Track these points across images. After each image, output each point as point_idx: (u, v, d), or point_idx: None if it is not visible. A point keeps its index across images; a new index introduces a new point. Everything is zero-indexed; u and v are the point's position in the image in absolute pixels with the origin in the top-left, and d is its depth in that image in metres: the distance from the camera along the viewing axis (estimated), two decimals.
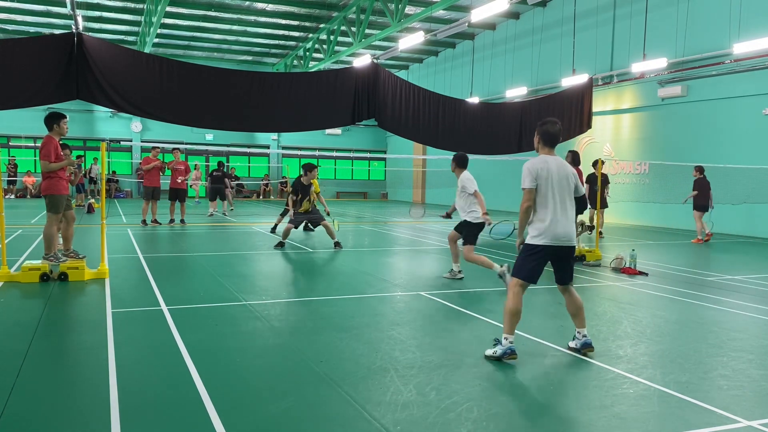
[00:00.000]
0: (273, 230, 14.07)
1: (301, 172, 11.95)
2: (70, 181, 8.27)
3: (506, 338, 4.74)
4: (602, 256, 10.43)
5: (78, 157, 22.90)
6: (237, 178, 30.64)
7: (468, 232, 7.96)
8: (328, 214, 12.10)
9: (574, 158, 10.96)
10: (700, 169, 14.32)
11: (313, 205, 11.79)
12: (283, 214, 14.07)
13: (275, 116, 10.53)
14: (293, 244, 12.23)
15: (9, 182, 27.67)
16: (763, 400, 4.03)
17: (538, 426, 3.52)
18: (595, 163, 12.32)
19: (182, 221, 16.16)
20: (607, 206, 15.12)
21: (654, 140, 19.11)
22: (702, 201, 14.11)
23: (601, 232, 14.09)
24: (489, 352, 4.80)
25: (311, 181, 11.69)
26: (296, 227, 11.71)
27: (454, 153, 8.38)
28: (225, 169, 20.27)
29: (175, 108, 9.72)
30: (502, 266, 7.57)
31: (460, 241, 8.23)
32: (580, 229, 11.15)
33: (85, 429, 3.41)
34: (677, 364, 4.78)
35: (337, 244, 11.60)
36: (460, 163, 8.22)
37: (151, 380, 4.19)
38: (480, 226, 7.95)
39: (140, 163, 18.18)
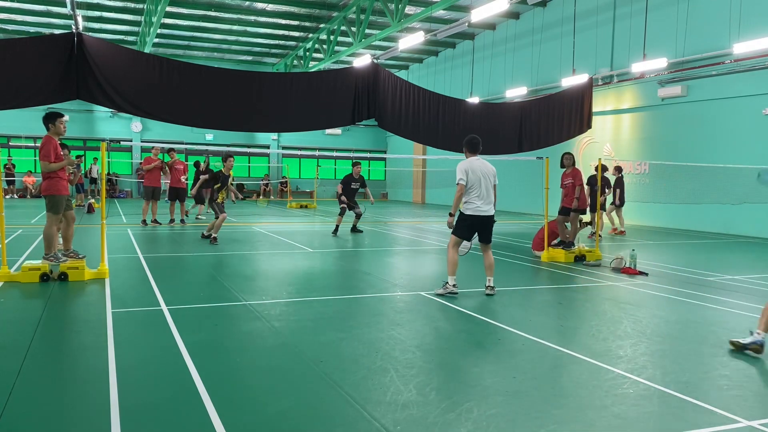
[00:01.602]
0: (335, 232, 13.97)
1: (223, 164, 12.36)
2: (69, 181, 8.26)
3: (758, 333, 5.02)
4: (602, 256, 10.43)
5: (77, 157, 22.86)
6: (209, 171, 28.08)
7: (457, 222, 7.37)
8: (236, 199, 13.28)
9: (573, 159, 11.08)
10: (619, 169, 15.47)
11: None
12: (341, 214, 14.10)
13: (275, 116, 10.52)
14: (293, 244, 12.24)
15: (8, 183, 27.71)
16: (763, 400, 4.03)
17: (537, 426, 3.52)
18: (605, 167, 12.66)
19: (182, 221, 16.16)
20: (605, 209, 15.16)
21: (654, 140, 19.10)
22: (621, 198, 15.52)
23: (600, 234, 14.12)
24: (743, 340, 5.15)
25: (230, 171, 12.25)
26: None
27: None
28: (207, 167, 19.72)
29: (175, 108, 9.72)
30: (449, 284, 7.20)
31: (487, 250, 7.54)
32: (578, 226, 11.16)
33: (85, 429, 3.41)
34: (677, 364, 4.78)
35: (212, 239, 11.84)
36: (467, 147, 7.47)
37: (151, 380, 4.19)
38: (467, 219, 7.20)
39: (141, 164, 18.16)
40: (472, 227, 7.27)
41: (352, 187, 14.06)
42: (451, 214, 7.34)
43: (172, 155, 16.29)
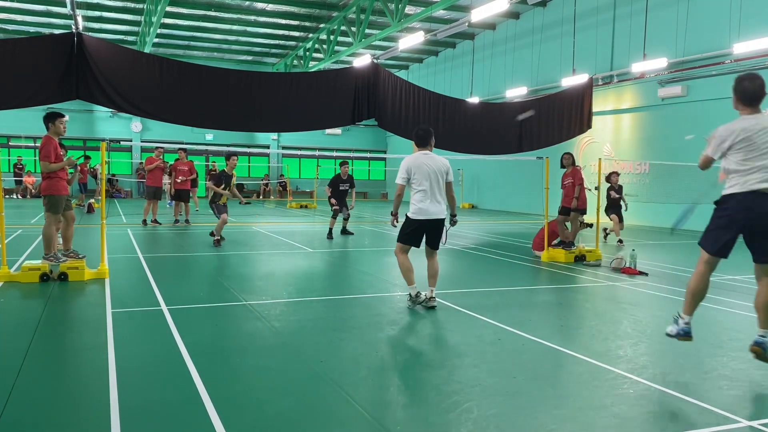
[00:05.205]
0: (330, 236, 13.29)
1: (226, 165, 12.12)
2: (67, 181, 8.26)
3: (683, 318, 4.67)
4: (602, 256, 10.43)
5: (85, 156, 23.04)
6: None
7: (401, 227, 6.70)
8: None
9: (572, 159, 11.13)
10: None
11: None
12: (333, 216, 13.50)
13: (275, 116, 10.53)
14: (293, 244, 12.23)
15: (16, 182, 27.81)
16: (763, 400, 4.03)
17: (538, 426, 3.52)
18: (609, 177, 12.94)
19: (186, 221, 16.13)
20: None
21: (654, 140, 19.10)
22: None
23: (610, 236, 14.33)
24: (668, 329, 4.78)
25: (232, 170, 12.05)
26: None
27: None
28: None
29: (175, 108, 9.72)
30: (411, 294, 6.50)
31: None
32: (578, 226, 11.17)
33: (85, 429, 3.41)
34: (677, 364, 4.78)
35: (215, 241, 11.64)
36: (415, 139, 6.66)
37: (151, 380, 4.18)
38: (412, 223, 6.49)
39: (142, 163, 18.20)
40: (417, 231, 6.49)
41: (340, 188, 13.47)
42: (392, 213, 6.82)
43: (180, 155, 16.28)
